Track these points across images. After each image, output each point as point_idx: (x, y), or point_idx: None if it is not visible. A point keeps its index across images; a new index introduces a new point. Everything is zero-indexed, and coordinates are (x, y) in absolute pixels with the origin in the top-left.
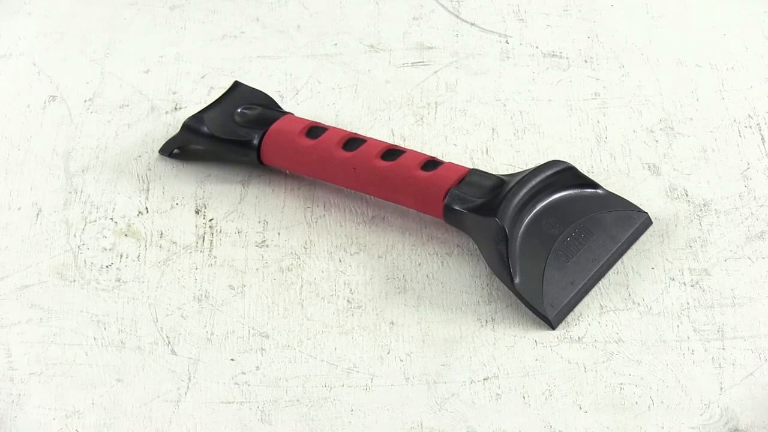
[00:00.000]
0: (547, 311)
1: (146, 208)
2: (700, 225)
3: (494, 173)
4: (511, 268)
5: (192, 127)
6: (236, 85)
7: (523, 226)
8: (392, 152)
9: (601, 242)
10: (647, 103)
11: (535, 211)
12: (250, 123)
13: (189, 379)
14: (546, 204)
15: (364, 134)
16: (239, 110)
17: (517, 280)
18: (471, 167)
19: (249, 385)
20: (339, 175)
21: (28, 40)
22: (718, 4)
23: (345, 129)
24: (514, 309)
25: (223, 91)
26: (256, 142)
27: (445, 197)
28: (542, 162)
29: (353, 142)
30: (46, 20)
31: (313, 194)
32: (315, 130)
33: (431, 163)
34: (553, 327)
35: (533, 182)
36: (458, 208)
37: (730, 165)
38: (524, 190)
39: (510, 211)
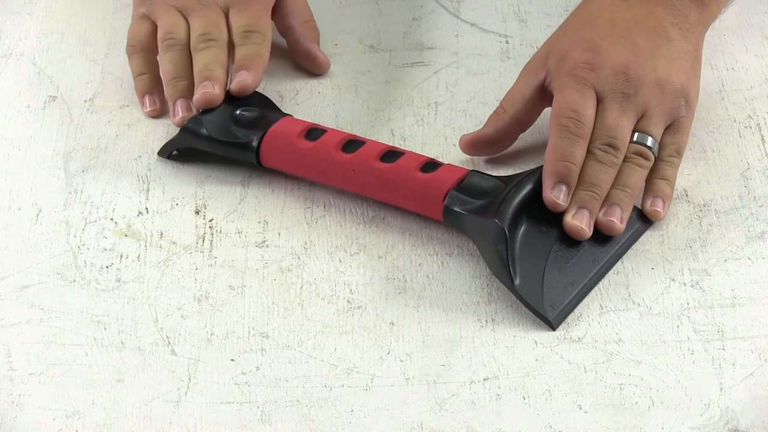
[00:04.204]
0: (548, 312)
1: (146, 208)
2: (700, 225)
3: (494, 174)
4: (511, 269)
5: (191, 129)
6: None
7: (522, 228)
8: (391, 154)
9: (601, 243)
10: None
11: (534, 212)
12: (249, 125)
13: (189, 379)
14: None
15: (363, 135)
16: (238, 112)
17: (517, 282)
18: (471, 168)
19: (249, 385)
20: (338, 177)
21: (28, 40)
22: None
23: (344, 129)
24: (514, 309)
25: None
26: (255, 144)
27: (444, 199)
28: (542, 163)
29: (352, 144)
30: (46, 20)
31: (313, 195)
32: (314, 132)
33: (430, 165)
34: (553, 328)
35: (533, 183)
36: (458, 210)
37: (730, 165)
38: (524, 192)
39: (510, 212)
